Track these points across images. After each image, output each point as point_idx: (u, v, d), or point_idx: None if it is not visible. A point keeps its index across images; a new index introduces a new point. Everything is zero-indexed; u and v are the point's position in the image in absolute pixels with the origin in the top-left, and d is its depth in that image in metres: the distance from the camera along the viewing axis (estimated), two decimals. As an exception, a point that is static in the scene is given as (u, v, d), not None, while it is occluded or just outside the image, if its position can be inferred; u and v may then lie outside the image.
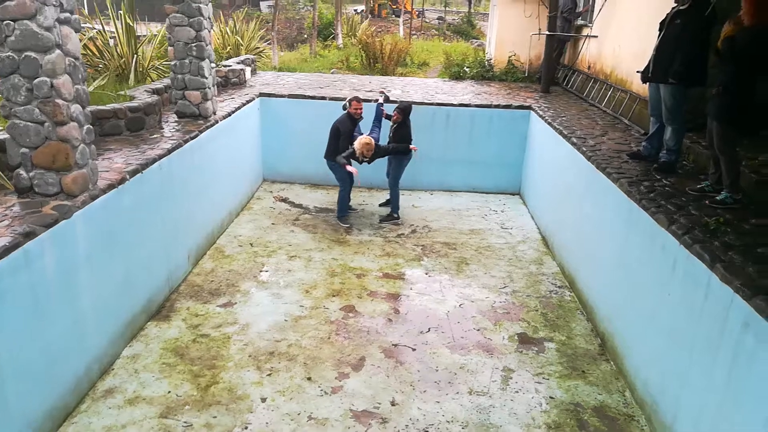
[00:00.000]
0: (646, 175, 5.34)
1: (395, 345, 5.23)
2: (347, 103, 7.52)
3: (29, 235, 3.58)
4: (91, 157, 4.34)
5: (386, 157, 7.93)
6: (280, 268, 6.58)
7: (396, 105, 7.67)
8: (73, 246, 4.09)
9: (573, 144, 6.64)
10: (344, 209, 7.91)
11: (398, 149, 7.65)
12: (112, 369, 4.66)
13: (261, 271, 6.49)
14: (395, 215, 8.01)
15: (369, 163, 7.42)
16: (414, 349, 5.18)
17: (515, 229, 7.98)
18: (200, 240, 6.67)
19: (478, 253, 7.17)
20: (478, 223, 8.14)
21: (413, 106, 7.93)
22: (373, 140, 7.24)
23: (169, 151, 5.63)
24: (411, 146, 7.66)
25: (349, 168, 7.29)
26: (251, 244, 7.16)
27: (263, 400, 4.40)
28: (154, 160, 5.30)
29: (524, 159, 9.11)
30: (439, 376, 4.80)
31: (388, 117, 7.76)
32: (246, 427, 4.12)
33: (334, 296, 6.01)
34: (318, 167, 9.39)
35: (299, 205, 8.57)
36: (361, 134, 7.61)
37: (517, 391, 4.64)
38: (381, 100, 8.02)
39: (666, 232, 4.22)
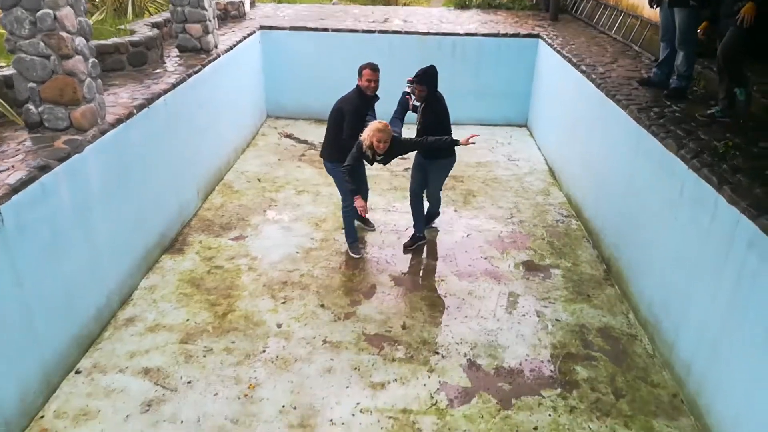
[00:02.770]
0: (656, 102, 5.30)
1: (404, 273, 5.35)
2: (360, 72, 5.20)
3: (44, 169, 3.62)
4: (98, 92, 4.32)
5: (414, 165, 5.67)
6: (289, 203, 6.65)
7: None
8: (87, 180, 4.14)
9: (582, 72, 6.54)
10: (353, 233, 5.65)
11: (434, 145, 5.10)
12: (131, 299, 4.81)
13: (270, 206, 6.56)
14: (420, 235, 5.83)
15: (384, 163, 5.16)
16: (423, 278, 5.31)
17: (522, 161, 7.98)
18: (208, 176, 6.71)
19: (485, 185, 7.21)
20: (485, 156, 8.12)
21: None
22: (389, 127, 4.91)
23: (174, 86, 5.58)
24: (464, 139, 5.00)
25: (357, 203, 5.00)
26: (259, 180, 7.20)
27: (279, 326, 4.57)
28: (160, 95, 5.26)
29: (532, 90, 8.98)
30: (448, 302, 4.95)
31: (416, 109, 5.47)
32: (264, 351, 4.29)
33: (343, 229, 6.09)
34: (322, 102, 9.22)
35: (305, 141, 8.54)
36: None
37: (523, 315, 4.79)
38: (408, 89, 5.49)
39: (675, 157, 4.23)
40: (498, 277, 5.31)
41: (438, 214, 6.28)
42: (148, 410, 3.73)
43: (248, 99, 8.40)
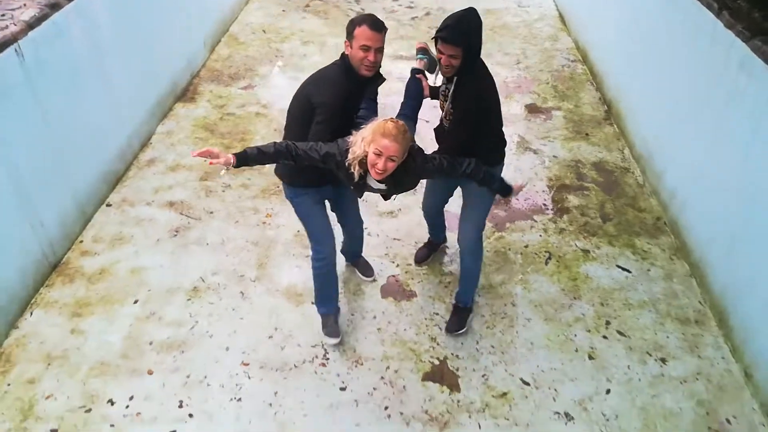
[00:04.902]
0: (670, -69, 5.09)
1: (410, 118, 5.52)
2: (351, 32, 2.78)
3: (54, 7, 3.70)
4: (95, -72, 4.26)
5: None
6: (295, 53, 6.68)
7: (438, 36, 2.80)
8: (96, 22, 4.22)
9: None
10: (329, 299, 3.39)
11: (474, 175, 2.87)
12: (150, 143, 5.07)
13: (276, 56, 6.60)
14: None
15: (386, 197, 3.07)
16: (428, 121, 5.47)
17: (532, 8, 7.79)
18: (213, 27, 6.69)
19: (493, 33, 7.12)
20: (494, 3, 7.91)
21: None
22: (408, 133, 2.64)
23: (171, -74, 5.42)
24: (517, 185, 3.09)
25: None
26: (264, 31, 7.16)
27: (291, 164, 4.85)
28: (158, -64, 5.15)
29: (545, -70, 8.49)
30: (451, 143, 5.16)
31: (437, 95, 3.19)
32: (278, 186, 4.57)
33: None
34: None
35: (309, -9, 8.33)
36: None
37: (523, 153, 5.02)
38: (419, 65, 3.38)
39: (680, -13, 4.19)
40: (500, 120, 5.47)
41: (472, 301, 3.50)
42: (176, 235, 4.13)
43: (248, -54, 8.07)
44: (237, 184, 4.63)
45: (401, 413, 3.04)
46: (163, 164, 4.83)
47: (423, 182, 3.49)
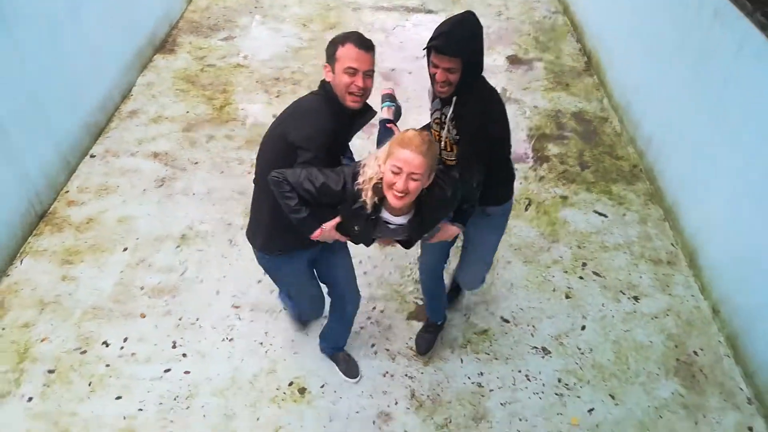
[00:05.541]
0: None
1: (392, 69, 5.52)
2: (332, 54, 2.29)
3: (28, -49, 3.62)
4: None
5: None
6: (275, 4, 6.58)
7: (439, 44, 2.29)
8: (71, -32, 4.14)
9: None
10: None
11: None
12: (131, 95, 5.02)
13: (256, 7, 6.50)
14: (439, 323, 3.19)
15: (408, 244, 2.47)
16: (410, 73, 5.50)
17: (514, -41, 7.72)
18: (191, -24, 6.55)
19: (475, -16, 7.07)
20: (476, -46, 7.82)
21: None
22: (435, 145, 2.11)
23: None
24: None
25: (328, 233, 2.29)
26: (243, -19, 7.02)
27: (274, 116, 4.84)
28: None
29: None
30: (434, 94, 5.20)
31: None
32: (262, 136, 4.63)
33: (330, 29, 6.12)
34: None
35: (288, -59, 8.13)
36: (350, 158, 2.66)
37: (505, 103, 5.07)
38: (387, 114, 2.95)
39: (660, -66, 4.21)
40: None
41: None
42: (162, 185, 4.16)
43: None
44: (221, 135, 4.64)
45: (387, 350, 3.18)
46: (146, 116, 4.80)
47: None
